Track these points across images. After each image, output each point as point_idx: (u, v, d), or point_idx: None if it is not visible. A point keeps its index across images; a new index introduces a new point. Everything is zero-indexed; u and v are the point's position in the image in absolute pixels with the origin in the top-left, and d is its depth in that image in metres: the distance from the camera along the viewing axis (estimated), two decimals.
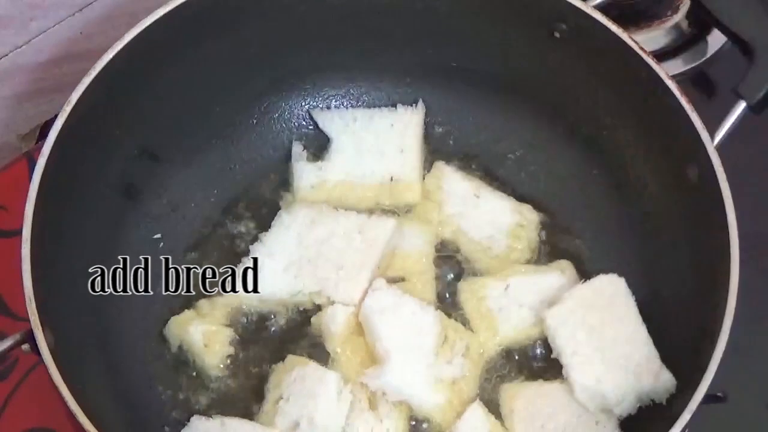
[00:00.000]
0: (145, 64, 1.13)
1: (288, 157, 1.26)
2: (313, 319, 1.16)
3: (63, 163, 1.05)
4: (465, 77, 1.26)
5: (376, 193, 1.23)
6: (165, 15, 1.11)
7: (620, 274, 1.15)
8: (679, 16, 1.41)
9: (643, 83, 1.12)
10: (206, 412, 1.11)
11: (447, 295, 1.19)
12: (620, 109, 1.18)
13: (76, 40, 1.34)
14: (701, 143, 1.06)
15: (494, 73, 1.25)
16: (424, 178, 1.24)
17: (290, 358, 1.13)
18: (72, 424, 0.94)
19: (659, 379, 1.08)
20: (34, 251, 0.99)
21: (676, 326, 1.11)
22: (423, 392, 1.10)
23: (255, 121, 1.27)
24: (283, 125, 1.28)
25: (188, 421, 1.09)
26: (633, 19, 1.38)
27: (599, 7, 1.15)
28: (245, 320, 1.17)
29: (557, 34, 1.17)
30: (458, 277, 1.20)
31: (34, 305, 0.97)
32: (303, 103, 1.28)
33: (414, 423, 1.11)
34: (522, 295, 1.16)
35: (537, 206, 1.24)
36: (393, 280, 1.17)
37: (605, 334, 1.11)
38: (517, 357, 1.16)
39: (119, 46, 1.09)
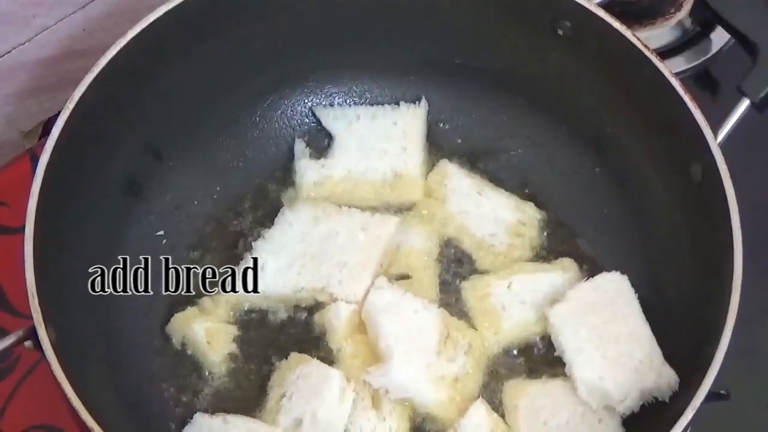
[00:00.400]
0: (148, 61, 1.12)
1: (291, 154, 1.26)
2: (316, 317, 1.15)
3: (66, 160, 1.05)
4: (468, 74, 1.26)
5: (379, 190, 1.23)
6: (167, 12, 1.11)
7: (623, 272, 1.15)
8: (683, 14, 1.40)
9: (646, 81, 1.12)
10: (209, 410, 1.11)
11: (450, 293, 1.18)
12: (623, 107, 1.18)
13: (79, 37, 1.34)
14: (705, 141, 1.06)
15: (497, 70, 1.25)
16: (426, 176, 1.24)
17: (293, 356, 1.13)
18: (75, 420, 0.94)
19: (662, 377, 1.08)
20: (36, 248, 0.98)
21: (679, 324, 1.10)
22: (426, 390, 1.10)
23: (258, 119, 1.27)
24: (286, 123, 1.28)
25: (191, 418, 1.09)
26: (636, 17, 1.38)
27: (602, 5, 1.15)
28: (248, 318, 1.17)
29: (560, 32, 1.17)
30: (461, 275, 1.20)
31: (36, 302, 0.96)
32: (306, 101, 1.28)
33: (417, 421, 1.11)
34: (525, 293, 1.16)
35: (540, 204, 1.23)
36: (396, 278, 1.17)
37: (608, 332, 1.11)
38: (519, 355, 1.15)
39: (122, 43, 1.09)
